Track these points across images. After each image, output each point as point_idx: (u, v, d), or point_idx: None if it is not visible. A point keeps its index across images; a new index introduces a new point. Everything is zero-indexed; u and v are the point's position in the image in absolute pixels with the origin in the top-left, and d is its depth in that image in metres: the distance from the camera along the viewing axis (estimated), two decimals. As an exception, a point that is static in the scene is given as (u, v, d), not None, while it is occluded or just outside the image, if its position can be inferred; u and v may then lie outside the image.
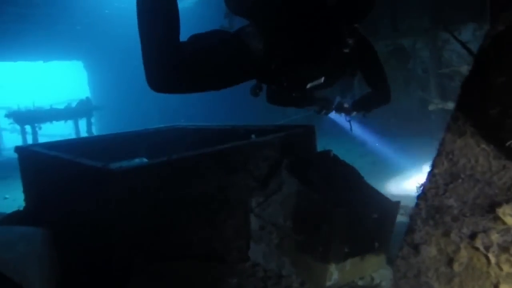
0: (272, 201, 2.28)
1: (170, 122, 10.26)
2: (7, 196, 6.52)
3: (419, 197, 0.95)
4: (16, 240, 1.66)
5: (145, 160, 3.81)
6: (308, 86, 2.31)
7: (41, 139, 13.11)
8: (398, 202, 2.26)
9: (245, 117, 9.55)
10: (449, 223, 0.87)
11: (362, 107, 2.80)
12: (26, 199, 3.29)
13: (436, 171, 0.91)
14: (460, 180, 0.86)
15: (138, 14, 1.89)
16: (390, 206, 2.25)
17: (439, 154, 0.92)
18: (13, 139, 13.65)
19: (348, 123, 3.11)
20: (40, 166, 2.77)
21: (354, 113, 2.86)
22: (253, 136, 3.34)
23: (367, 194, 2.27)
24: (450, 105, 5.94)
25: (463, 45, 4.43)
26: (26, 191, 3.24)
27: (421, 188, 0.95)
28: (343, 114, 2.87)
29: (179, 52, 1.89)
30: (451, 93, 6.37)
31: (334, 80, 2.45)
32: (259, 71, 2.12)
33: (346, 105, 2.83)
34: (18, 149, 3.13)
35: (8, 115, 8.95)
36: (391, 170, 5.39)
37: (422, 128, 6.77)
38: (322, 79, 2.29)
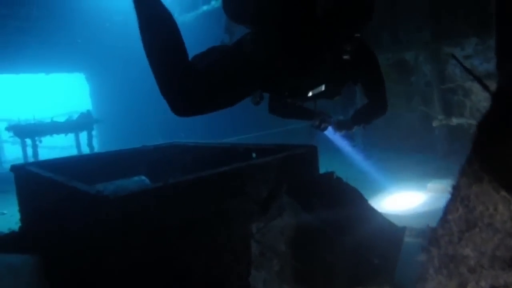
0: (272, 226, 2.19)
1: (170, 134, 10.26)
2: (5, 211, 6.46)
3: (430, 243, 0.87)
4: (4, 272, 1.58)
5: (143, 178, 3.75)
6: (310, 94, 2.29)
7: (42, 151, 13.10)
8: (403, 228, 2.18)
9: (244, 129, 9.54)
10: (466, 274, 0.79)
11: (362, 119, 2.80)
12: (21, 219, 3.22)
13: (450, 217, 0.83)
14: (477, 229, 0.79)
15: (144, 45, 1.88)
16: (396, 232, 2.17)
17: (453, 199, 0.85)
18: (14, 151, 13.61)
19: (340, 140, 3.09)
20: (35, 187, 2.71)
21: (355, 128, 2.85)
22: (253, 154, 3.28)
23: (372, 219, 2.19)
24: (455, 121, 5.88)
25: (468, 71, 4.38)
26: (21, 210, 3.17)
27: (433, 233, 0.88)
28: (338, 131, 2.85)
29: (192, 73, 1.88)
30: (455, 108, 6.31)
31: (336, 88, 2.43)
32: (261, 78, 2.09)
33: (345, 121, 2.84)
34: (13, 168, 3.07)
35: (8, 128, 8.92)
36: (394, 187, 5.29)
37: (425, 143, 6.70)
38: (323, 87, 2.26)
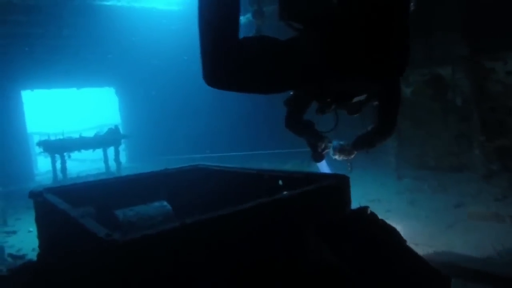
0: (296, 272, 1.98)
1: (196, 149, 10.19)
2: (31, 229, 6.50)
3: None
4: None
5: (165, 203, 3.60)
6: (355, 99, 2.25)
7: (73, 163, 13.35)
8: (448, 278, 1.92)
9: (266, 144, 9.43)
10: None
11: (365, 145, 2.68)
12: (39, 246, 3.13)
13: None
14: None
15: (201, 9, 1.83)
16: (440, 281, 1.90)
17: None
18: (47, 163, 13.96)
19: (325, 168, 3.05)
20: (50, 217, 2.60)
21: (354, 154, 2.77)
22: (280, 182, 3.07)
23: (412, 266, 1.94)
24: (496, 141, 5.48)
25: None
26: (39, 237, 3.08)
27: None
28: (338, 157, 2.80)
29: (238, 46, 1.84)
30: (496, 128, 5.89)
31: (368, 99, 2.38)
32: (313, 77, 2.01)
33: (346, 146, 2.74)
34: (32, 194, 2.98)
35: (38, 144, 9.10)
36: (431, 212, 4.95)
37: (463, 162, 6.31)
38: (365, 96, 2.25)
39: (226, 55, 1.81)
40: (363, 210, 2.30)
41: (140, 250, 1.68)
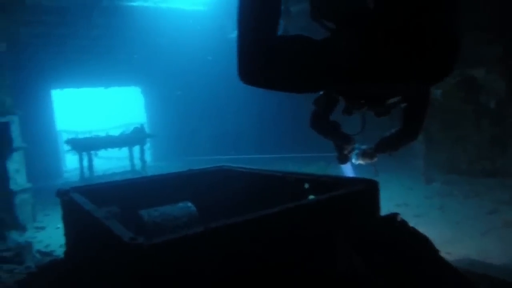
0: (324, 281, 1.91)
1: (220, 151, 10.21)
2: (59, 226, 6.63)
3: None
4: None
5: (189, 204, 3.58)
6: (389, 101, 2.17)
7: (100, 161, 13.59)
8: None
9: (291, 147, 9.34)
10: None
11: (389, 148, 2.64)
12: (66, 243, 3.17)
13: None
14: None
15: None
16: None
17: None
18: (75, 160, 14.29)
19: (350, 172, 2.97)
20: (76, 216, 2.62)
21: (376, 158, 2.74)
22: (306, 185, 3.00)
23: (447, 279, 1.84)
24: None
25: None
26: (66, 234, 3.12)
27: None
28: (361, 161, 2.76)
29: (276, 45, 1.81)
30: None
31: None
32: (349, 79, 1.93)
33: (368, 150, 2.72)
34: (59, 193, 3.01)
35: (66, 142, 9.30)
36: (463, 218, 4.76)
37: (497, 167, 6.05)
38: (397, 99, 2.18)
39: (263, 53, 1.79)
40: (393, 216, 2.20)
41: (164, 255, 1.65)
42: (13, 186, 5.19)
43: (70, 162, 15.53)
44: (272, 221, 1.93)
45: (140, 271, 1.63)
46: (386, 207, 2.43)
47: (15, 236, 5.21)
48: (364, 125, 2.55)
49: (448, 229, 4.34)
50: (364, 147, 2.75)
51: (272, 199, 3.29)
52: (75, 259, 2.74)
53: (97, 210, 2.25)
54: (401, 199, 5.68)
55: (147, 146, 11.56)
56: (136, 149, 10.08)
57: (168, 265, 1.65)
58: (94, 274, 2.15)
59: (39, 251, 4.50)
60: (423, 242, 2.07)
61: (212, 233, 1.78)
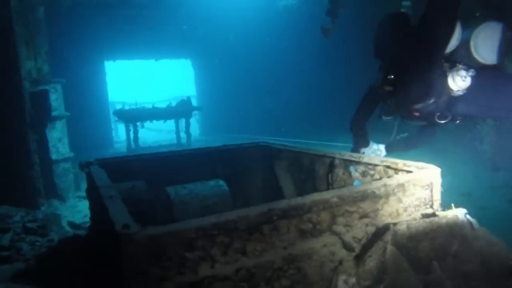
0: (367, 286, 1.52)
1: (268, 132, 9.81)
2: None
3: None
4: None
5: (221, 183, 3.27)
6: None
7: (148, 133, 13.69)
8: None
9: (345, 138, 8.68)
10: None
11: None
12: (90, 218, 3.01)
13: None
14: None
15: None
16: None
17: None
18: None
19: None
20: (93, 191, 2.39)
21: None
22: (351, 168, 2.58)
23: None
24: None
25: None
26: (90, 209, 2.94)
27: None
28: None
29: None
30: None
31: None
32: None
33: (380, 150, 3.04)
34: (81, 165, 2.83)
35: (114, 113, 9.36)
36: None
37: None
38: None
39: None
40: (457, 212, 1.74)
41: (157, 246, 1.34)
42: (54, 155, 5.17)
43: (122, 132, 15.95)
44: (303, 210, 1.56)
45: (129, 263, 1.33)
46: (447, 196, 2.00)
47: (56, 204, 5.21)
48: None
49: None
50: (374, 147, 3.02)
51: (314, 182, 2.89)
52: (92, 236, 2.55)
53: (106, 186, 1.99)
54: (464, 187, 5.03)
55: (195, 119, 11.43)
56: (182, 122, 9.96)
57: (162, 259, 1.34)
58: (97, 255, 1.91)
59: (70, 223, 4.41)
60: (495, 245, 1.60)
61: (224, 224, 1.43)
